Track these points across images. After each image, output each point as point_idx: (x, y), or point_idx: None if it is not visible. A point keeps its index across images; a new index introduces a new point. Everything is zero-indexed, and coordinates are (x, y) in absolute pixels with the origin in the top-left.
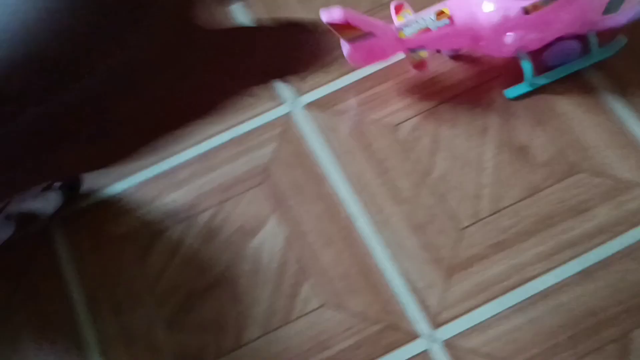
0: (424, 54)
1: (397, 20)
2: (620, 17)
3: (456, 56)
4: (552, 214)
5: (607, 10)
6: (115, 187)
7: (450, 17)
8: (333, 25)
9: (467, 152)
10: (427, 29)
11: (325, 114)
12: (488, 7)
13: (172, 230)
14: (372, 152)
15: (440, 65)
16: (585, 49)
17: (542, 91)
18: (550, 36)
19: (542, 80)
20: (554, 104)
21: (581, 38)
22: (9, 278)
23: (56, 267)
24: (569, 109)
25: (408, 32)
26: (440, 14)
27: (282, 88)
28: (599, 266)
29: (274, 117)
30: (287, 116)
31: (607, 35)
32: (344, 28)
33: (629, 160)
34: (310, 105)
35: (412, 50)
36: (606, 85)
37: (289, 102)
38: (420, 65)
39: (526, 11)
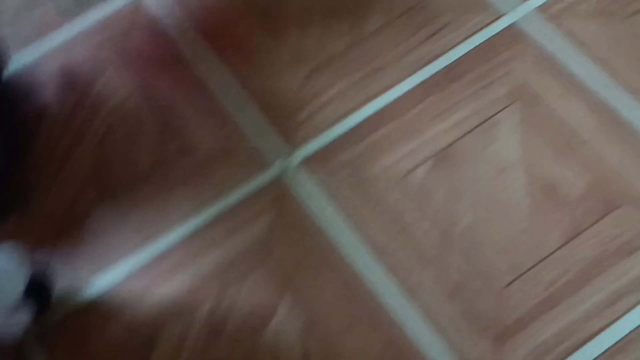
0: None
1: None
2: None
3: None
4: (600, 259)
5: None
6: (93, 286)
7: None
8: None
9: (493, 196)
10: None
11: (324, 171)
12: None
13: (169, 332)
14: (384, 209)
15: (450, 95)
16: None
17: None
18: None
19: None
20: None
21: None
22: None
23: None
24: None
25: None
26: None
27: (268, 145)
28: None
29: (263, 182)
30: (278, 180)
31: None
32: None
33: None
34: (304, 163)
35: None
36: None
37: (279, 162)
38: None
39: None
